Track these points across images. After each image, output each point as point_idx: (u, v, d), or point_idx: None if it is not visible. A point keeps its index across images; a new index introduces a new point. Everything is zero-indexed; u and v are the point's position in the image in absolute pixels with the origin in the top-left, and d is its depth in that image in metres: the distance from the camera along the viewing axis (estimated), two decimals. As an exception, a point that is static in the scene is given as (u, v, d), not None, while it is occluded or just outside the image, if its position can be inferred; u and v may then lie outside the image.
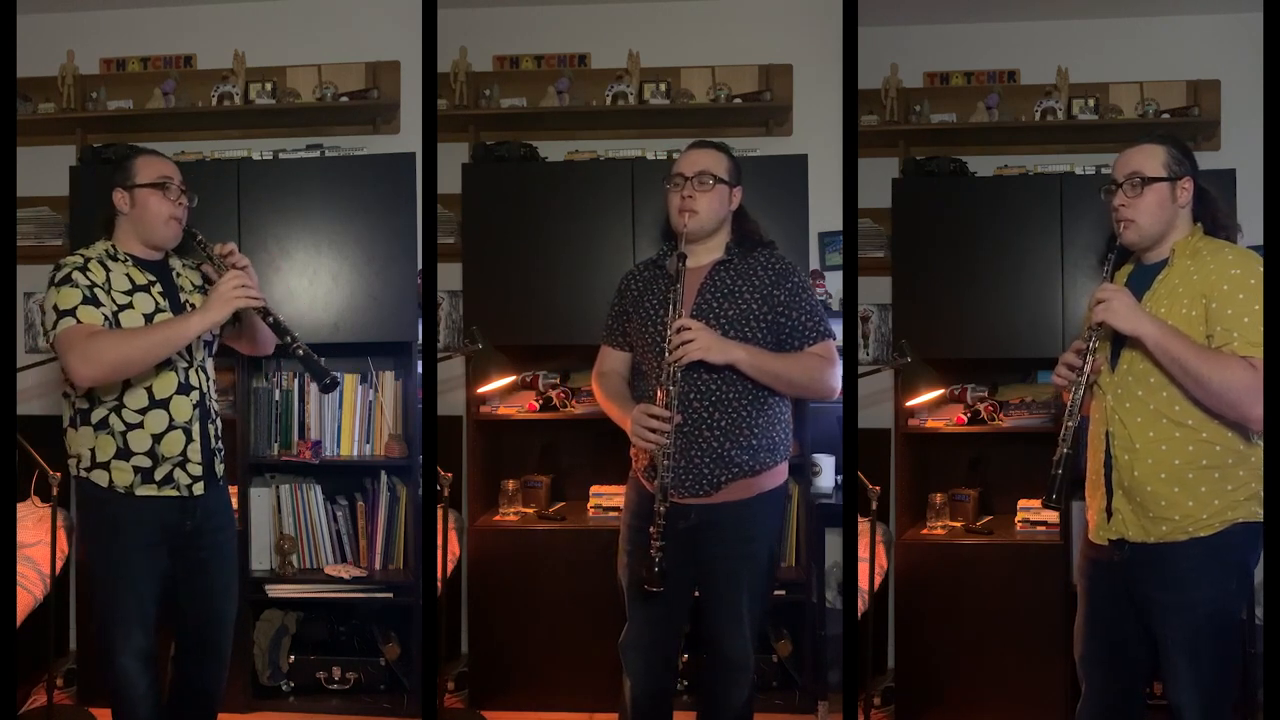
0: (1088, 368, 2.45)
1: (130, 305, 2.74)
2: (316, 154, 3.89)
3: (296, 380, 3.91)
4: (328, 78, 4.08)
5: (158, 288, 2.80)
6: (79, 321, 2.64)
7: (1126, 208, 2.48)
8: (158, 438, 2.75)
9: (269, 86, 4.04)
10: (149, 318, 2.75)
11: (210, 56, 4.14)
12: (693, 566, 2.77)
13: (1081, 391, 2.45)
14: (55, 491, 3.48)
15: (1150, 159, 2.50)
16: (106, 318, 2.69)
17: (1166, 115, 3.97)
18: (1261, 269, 2.39)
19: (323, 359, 2.76)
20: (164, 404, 2.75)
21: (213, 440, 2.87)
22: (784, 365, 2.74)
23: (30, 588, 3.57)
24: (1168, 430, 2.42)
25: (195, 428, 2.80)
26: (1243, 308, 2.36)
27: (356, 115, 4.10)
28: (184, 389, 2.78)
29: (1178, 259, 2.46)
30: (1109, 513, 2.50)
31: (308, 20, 4.13)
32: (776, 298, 2.76)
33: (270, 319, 2.76)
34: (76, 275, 2.69)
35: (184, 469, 2.78)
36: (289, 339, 2.74)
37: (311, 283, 3.79)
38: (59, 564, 3.61)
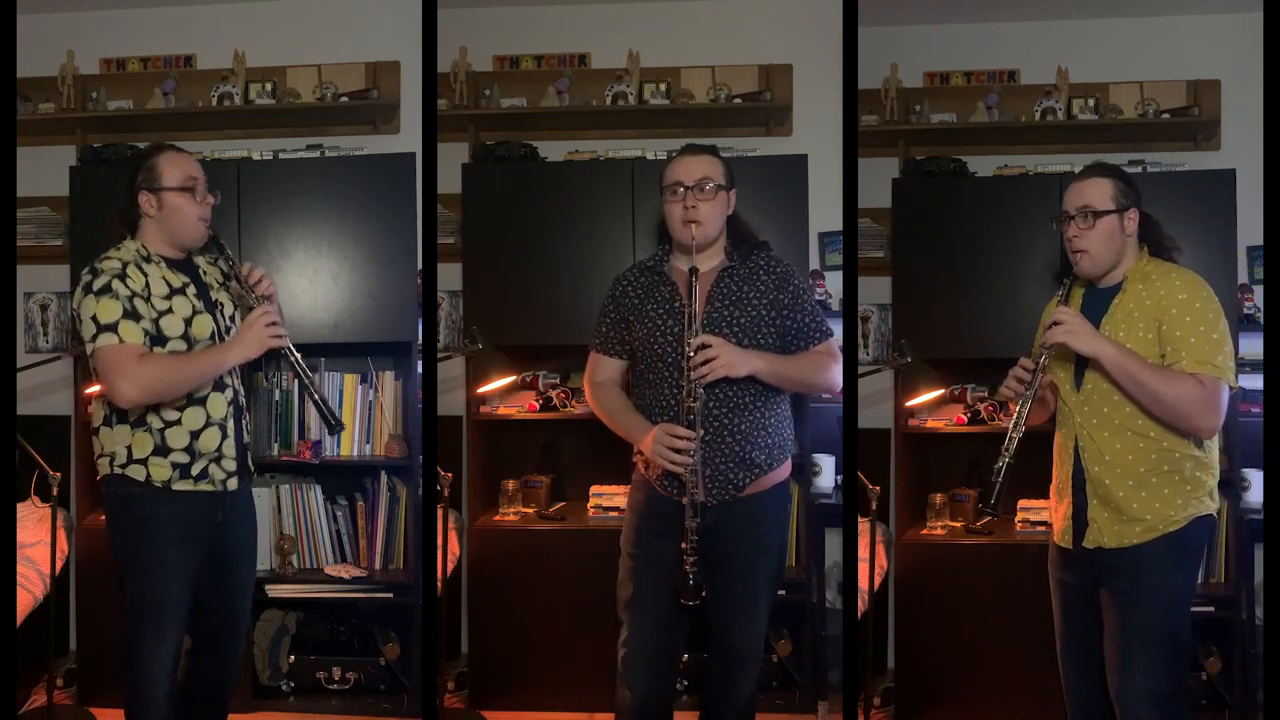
0: (1037, 382, 2.64)
1: (170, 310, 2.74)
2: (316, 154, 3.89)
3: (296, 380, 3.90)
4: (328, 78, 4.08)
5: (192, 289, 2.80)
6: (121, 339, 2.65)
7: (1079, 239, 2.66)
8: (195, 434, 2.76)
9: (269, 86, 4.04)
10: (188, 321, 2.75)
11: (210, 56, 4.14)
12: (703, 564, 2.77)
13: (1029, 406, 2.64)
14: (55, 491, 3.48)
15: (1099, 192, 2.66)
16: (147, 331, 2.69)
17: (1166, 115, 3.97)
18: (1205, 291, 2.59)
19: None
20: (201, 401, 2.77)
21: (245, 435, 2.89)
22: (798, 368, 2.79)
23: (30, 588, 3.57)
24: (1133, 442, 2.61)
25: (230, 424, 2.82)
26: (1189, 329, 2.56)
27: (356, 115, 4.10)
28: (220, 386, 2.80)
29: (1130, 284, 2.65)
30: (1075, 520, 2.68)
31: (308, 20, 4.13)
32: (782, 301, 2.79)
33: (293, 359, 2.81)
34: (116, 285, 2.67)
35: (219, 465, 2.80)
36: (307, 379, 2.83)
37: (311, 283, 3.79)
38: (59, 564, 3.61)
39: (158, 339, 2.72)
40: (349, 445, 3.92)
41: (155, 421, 2.74)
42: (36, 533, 3.63)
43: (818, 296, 4.00)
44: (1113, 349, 2.56)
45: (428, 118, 3.44)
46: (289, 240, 3.79)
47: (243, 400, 2.90)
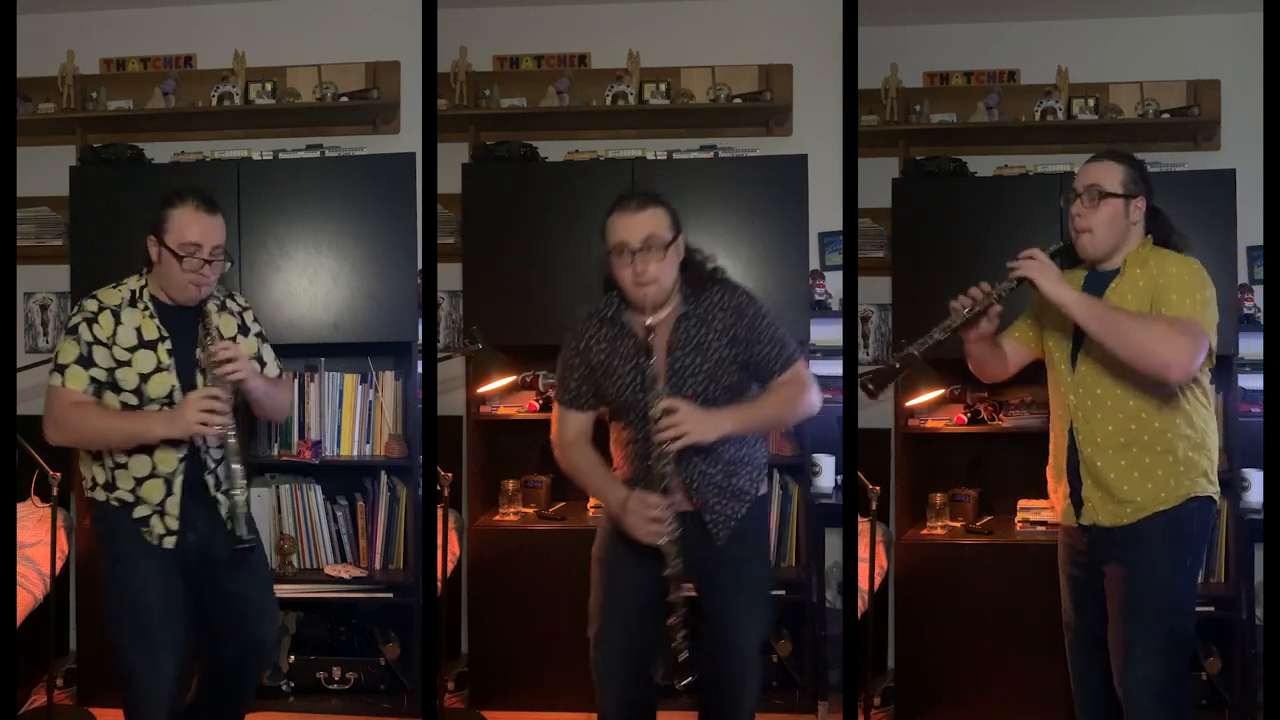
0: (987, 304, 2.69)
1: (128, 363, 2.69)
2: (316, 154, 3.89)
3: (296, 380, 3.90)
4: (328, 78, 4.08)
5: (166, 345, 2.72)
6: (64, 384, 2.66)
7: (1082, 217, 2.68)
8: (139, 481, 2.71)
9: (269, 86, 4.04)
10: (145, 377, 2.69)
11: (210, 56, 4.14)
12: (687, 566, 2.72)
13: (959, 322, 2.72)
14: (55, 491, 3.48)
15: (1109, 175, 2.67)
16: (95, 379, 2.67)
17: (1166, 115, 3.97)
18: (1201, 271, 2.60)
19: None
20: (148, 450, 2.69)
21: (211, 491, 2.76)
22: (764, 413, 2.69)
23: (30, 588, 3.58)
24: (1124, 424, 2.63)
25: (178, 481, 2.71)
26: (1174, 292, 2.56)
27: (356, 115, 4.10)
28: (171, 440, 2.69)
29: (1128, 268, 2.67)
30: (1076, 500, 2.71)
31: (308, 20, 4.13)
32: (739, 335, 2.65)
33: (229, 449, 2.69)
34: (83, 328, 2.67)
35: (161, 519, 2.72)
36: (238, 479, 2.68)
37: (311, 283, 3.79)
38: (59, 564, 3.61)
39: (112, 387, 2.69)
40: (349, 445, 3.92)
41: (107, 460, 2.72)
42: (36, 533, 3.64)
43: (817, 297, 4.00)
44: (1075, 296, 2.56)
45: (428, 118, 3.44)
46: (289, 240, 3.79)
47: (210, 458, 2.75)
